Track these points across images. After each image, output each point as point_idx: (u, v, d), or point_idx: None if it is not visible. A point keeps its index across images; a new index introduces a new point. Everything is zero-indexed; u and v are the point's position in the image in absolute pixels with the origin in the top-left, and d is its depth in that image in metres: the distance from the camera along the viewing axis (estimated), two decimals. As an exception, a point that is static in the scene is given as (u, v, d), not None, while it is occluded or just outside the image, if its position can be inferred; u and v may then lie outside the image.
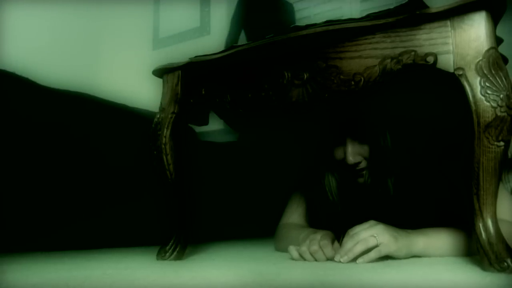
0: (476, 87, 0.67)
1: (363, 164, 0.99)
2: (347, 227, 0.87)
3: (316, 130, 1.10)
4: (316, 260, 0.86)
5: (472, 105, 0.67)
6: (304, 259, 0.87)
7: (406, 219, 0.89)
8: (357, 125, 0.98)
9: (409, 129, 0.97)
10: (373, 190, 1.00)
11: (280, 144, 1.69)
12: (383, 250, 0.79)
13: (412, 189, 0.96)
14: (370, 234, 0.80)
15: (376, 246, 0.79)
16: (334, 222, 1.02)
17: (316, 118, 1.06)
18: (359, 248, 0.80)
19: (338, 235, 0.91)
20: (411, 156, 0.96)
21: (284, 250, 1.10)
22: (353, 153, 0.97)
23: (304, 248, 0.87)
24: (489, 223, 0.68)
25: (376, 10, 0.79)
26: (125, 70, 3.29)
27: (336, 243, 0.89)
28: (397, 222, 0.86)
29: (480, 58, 0.68)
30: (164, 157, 0.95)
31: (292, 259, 0.90)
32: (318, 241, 0.87)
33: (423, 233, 0.85)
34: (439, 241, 0.84)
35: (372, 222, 0.84)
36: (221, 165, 1.77)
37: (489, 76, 0.67)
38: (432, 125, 0.97)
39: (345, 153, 0.98)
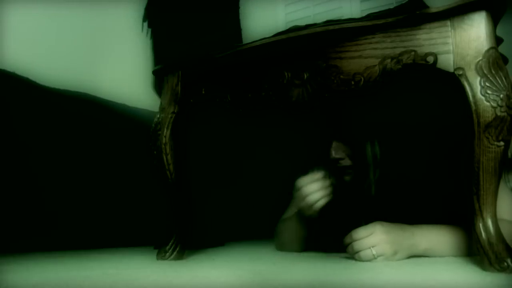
0: (476, 87, 0.67)
1: (347, 162, 1.00)
2: (344, 225, 0.87)
3: (313, 131, 1.11)
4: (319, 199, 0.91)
5: (472, 105, 0.67)
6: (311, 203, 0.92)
7: (403, 220, 0.88)
8: (341, 127, 1.00)
9: (402, 134, 0.97)
10: (360, 191, 1.00)
11: (282, 145, 1.68)
12: (379, 260, 0.81)
13: (408, 191, 0.96)
14: (370, 245, 0.81)
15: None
16: (333, 221, 1.03)
17: (314, 120, 1.07)
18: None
19: (340, 233, 0.92)
20: (404, 159, 0.96)
21: (283, 244, 1.12)
22: (336, 148, 0.99)
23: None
24: (489, 223, 0.68)
25: (376, 10, 0.79)
26: (125, 70, 3.29)
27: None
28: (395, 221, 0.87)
29: (480, 58, 0.68)
30: (164, 157, 0.95)
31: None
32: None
33: (426, 235, 0.85)
34: (440, 243, 0.84)
35: (377, 227, 0.82)
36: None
37: (489, 76, 0.67)
38: (428, 127, 0.97)
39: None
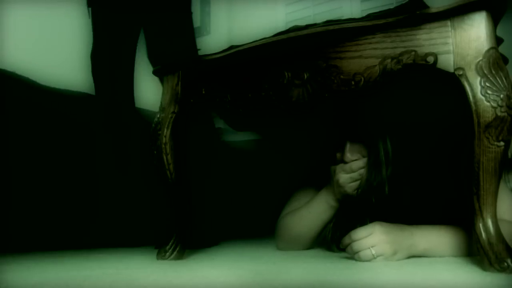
0: (476, 87, 0.67)
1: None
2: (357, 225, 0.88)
3: (319, 132, 1.10)
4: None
5: (472, 105, 0.67)
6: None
7: (406, 219, 0.88)
8: (356, 128, 0.99)
9: (411, 132, 0.97)
10: (373, 190, 1.00)
11: (281, 144, 1.68)
12: (378, 260, 0.81)
13: (413, 190, 0.96)
14: (369, 246, 0.81)
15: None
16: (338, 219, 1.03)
17: (319, 119, 1.07)
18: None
19: (343, 230, 0.92)
20: (412, 158, 0.96)
21: (294, 237, 1.10)
22: (351, 150, 0.99)
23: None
24: (489, 223, 0.67)
25: (377, 10, 0.79)
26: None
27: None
28: (397, 221, 0.87)
29: (480, 58, 0.68)
30: (164, 156, 0.95)
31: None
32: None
33: (425, 236, 0.85)
34: (440, 243, 0.84)
35: (376, 228, 0.83)
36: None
37: (489, 76, 0.67)
38: (435, 125, 0.97)
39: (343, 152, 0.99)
